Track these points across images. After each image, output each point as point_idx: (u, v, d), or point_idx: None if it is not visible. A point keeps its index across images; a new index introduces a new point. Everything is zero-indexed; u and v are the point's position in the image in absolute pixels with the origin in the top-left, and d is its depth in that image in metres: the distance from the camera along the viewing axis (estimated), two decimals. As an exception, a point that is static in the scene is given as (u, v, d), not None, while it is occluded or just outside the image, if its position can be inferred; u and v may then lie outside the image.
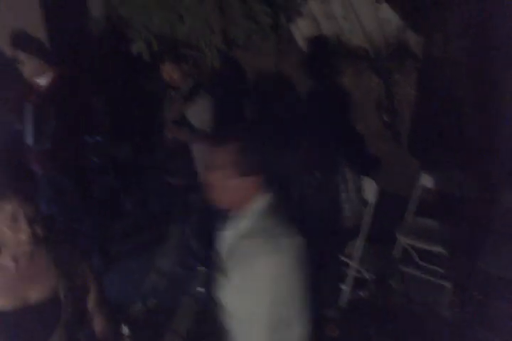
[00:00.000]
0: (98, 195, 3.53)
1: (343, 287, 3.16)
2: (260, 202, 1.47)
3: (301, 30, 4.40)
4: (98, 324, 1.84)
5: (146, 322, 3.03)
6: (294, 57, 4.56)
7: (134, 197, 4.41)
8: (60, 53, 3.66)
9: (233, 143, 1.41)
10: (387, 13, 3.79)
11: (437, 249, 3.12)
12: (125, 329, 2.77)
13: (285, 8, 3.92)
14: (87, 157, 3.51)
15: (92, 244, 3.48)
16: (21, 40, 3.31)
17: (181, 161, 3.14)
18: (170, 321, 3.05)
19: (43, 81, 3.10)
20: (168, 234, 3.92)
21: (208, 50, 3.43)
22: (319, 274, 3.06)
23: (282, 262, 1.38)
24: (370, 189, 3.15)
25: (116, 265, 3.62)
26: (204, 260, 3.32)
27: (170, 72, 3.04)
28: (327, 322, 3.00)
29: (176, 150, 3.13)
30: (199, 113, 2.99)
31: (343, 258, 3.20)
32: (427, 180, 3.47)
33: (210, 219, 1.96)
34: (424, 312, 3.06)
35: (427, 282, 3.26)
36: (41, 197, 3.42)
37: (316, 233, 3.09)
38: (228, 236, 1.52)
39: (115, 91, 4.50)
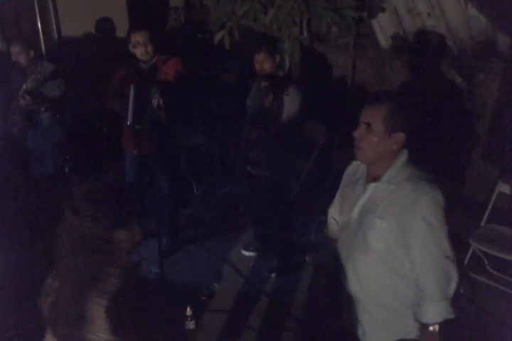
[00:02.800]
0: (172, 180, 3.61)
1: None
2: (404, 156, 1.71)
3: (382, 25, 4.32)
4: None
5: (208, 305, 3.10)
6: (371, 52, 4.48)
7: (204, 182, 4.51)
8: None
9: (386, 103, 1.66)
10: (477, 9, 3.65)
11: (510, 257, 3.00)
12: (189, 311, 2.87)
13: (368, 3, 3.86)
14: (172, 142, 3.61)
15: (162, 226, 3.58)
16: (142, 24, 3.49)
17: (261, 151, 3.17)
18: (232, 305, 3.10)
19: (146, 66, 3.33)
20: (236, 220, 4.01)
21: (289, 42, 3.42)
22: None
23: (439, 201, 1.63)
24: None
25: (183, 248, 3.72)
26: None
27: (263, 62, 3.07)
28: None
29: (255, 140, 3.17)
30: (290, 106, 3.01)
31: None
32: (504, 187, 3.32)
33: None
34: (491, 322, 2.95)
35: (496, 291, 3.14)
36: (126, 173, 3.61)
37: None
38: (373, 187, 1.73)
39: (192, 79, 4.60)
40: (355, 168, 1.87)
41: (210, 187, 4.57)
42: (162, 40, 5.02)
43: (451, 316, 1.69)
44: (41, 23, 4.75)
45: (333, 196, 1.99)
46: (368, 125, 1.66)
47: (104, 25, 4.94)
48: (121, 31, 4.74)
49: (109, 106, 3.48)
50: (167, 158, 3.45)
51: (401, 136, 1.67)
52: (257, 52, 3.10)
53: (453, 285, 1.69)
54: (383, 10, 4.05)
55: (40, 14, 4.75)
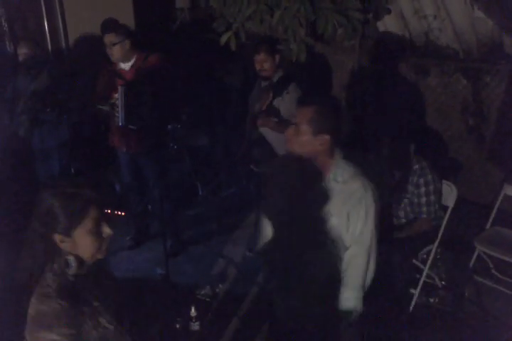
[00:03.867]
0: (173, 180, 3.63)
1: (413, 291, 3.10)
2: (339, 155, 1.82)
3: (388, 27, 4.32)
4: None
5: (212, 305, 3.10)
6: (376, 54, 4.48)
7: (208, 184, 4.51)
8: (145, 41, 3.79)
9: (313, 106, 1.74)
10: (483, 12, 3.64)
11: (516, 261, 2.99)
12: (193, 312, 2.88)
13: (374, 5, 3.85)
14: (167, 141, 3.63)
15: (165, 227, 3.59)
16: (112, 25, 3.46)
17: (263, 150, 3.19)
18: (236, 307, 3.11)
19: (126, 66, 3.28)
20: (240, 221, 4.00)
21: (294, 43, 3.43)
22: (391, 276, 3.02)
23: (376, 197, 1.80)
24: (449, 194, 3.05)
25: (187, 249, 3.72)
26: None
27: (263, 62, 3.11)
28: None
29: (258, 139, 3.18)
30: (289, 104, 3.01)
31: (415, 262, 3.13)
32: (510, 190, 3.31)
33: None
34: (496, 324, 2.94)
35: (501, 294, 3.13)
36: (122, 174, 3.62)
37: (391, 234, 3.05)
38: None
39: (196, 80, 4.61)
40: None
41: (214, 189, 4.57)
42: (167, 41, 5.06)
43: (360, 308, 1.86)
44: (48, 24, 4.78)
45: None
46: (297, 125, 1.76)
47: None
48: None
49: (97, 107, 3.43)
50: (158, 158, 3.45)
51: (326, 138, 1.75)
52: (257, 52, 3.15)
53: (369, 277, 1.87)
54: (389, 12, 4.05)
55: (46, 15, 4.77)
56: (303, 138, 1.75)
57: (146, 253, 3.65)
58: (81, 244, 1.33)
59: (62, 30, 4.88)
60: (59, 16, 4.84)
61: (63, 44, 4.90)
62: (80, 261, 1.35)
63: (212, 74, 4.78)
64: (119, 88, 3.09)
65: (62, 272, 1.33)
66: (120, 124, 3.15)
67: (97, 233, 1.34)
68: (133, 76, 3.24)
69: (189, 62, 4.86)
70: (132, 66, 3.29)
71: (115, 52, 3.22)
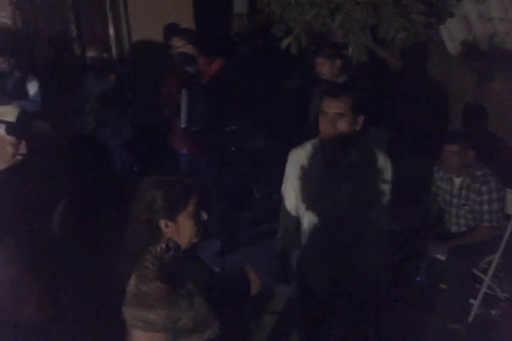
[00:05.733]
0: (230, 181, 3.69)
1: (472, 301, 3.01)
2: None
3: (451, 30, 4.22)
4: None
5: (267, 306, 3.13)
6: (438, 58, 4.40)
7: (263, 186, 4.55)
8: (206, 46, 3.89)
9: (349, 94, 2.05)
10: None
11: None
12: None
13: (437, 8, 3.78)
14: (226, 144, 3.70)
15: (222, 227, 3.66)
16: (176, 29, 3.56)
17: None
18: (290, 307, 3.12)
19: (191, 70, 3.36)
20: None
21: (355, 47, 3.42)
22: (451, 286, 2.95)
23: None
24: (512, 202, 2.96)
25: (243, 249, 3.77)
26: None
27: (322, 66, 3.13)
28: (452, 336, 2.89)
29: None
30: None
31: (476, 272, 3.04)
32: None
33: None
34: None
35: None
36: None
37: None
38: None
39: (254, 84, 4.67)
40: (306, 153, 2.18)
41: (269, 191, 4.61)
42: (226, 46, 5.16)
43: None
44: (113, 29, 4.98)
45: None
46: (340, 114, 2.00)
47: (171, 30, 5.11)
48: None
49: (161, 111, 3.53)
50: (217, 160, 3.51)
51: (362, 118, 2.05)
52: (317, 55, 3.19)
53: None
54: (452, 15, 3.97)
55: (112, 20, 4.98)
56: (348, 124, 2.01)
57: (200, 252, 3.71)
58: (183, 227, 1.45)
59: (126, 35, 5.09)
60: (123, 22, 5.05)
61: (127, 48, 5.10)
62: (178, 245, 1.46)
63: (271, 77, 4.83)
64: (183, 91, 3.17)
65: (161, 256, 1.43)
66: (182, 126, 3.23)
67: (197, 217, 1.47)
68: (197, 79, 3.32)
69: (247, 66, 4.93)
70: (197, 70, 3.37)
71: (178, 55, 3.31)
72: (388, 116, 4.14)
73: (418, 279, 3.30)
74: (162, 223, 1.43)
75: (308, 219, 2.19)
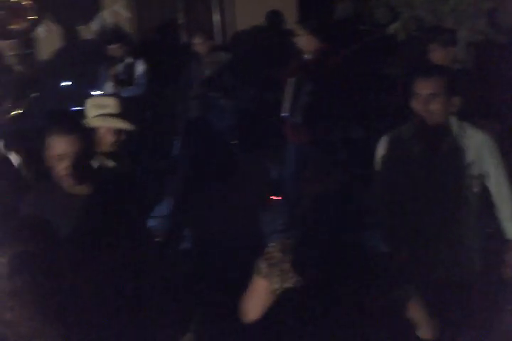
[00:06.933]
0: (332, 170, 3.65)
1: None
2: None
3: None
4: None
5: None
6: None
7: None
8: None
9: (443, 75, 1.98)
10: None
11: None
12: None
13: None
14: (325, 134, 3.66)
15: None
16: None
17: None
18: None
19: (309, 56, 3.33)
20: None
21: (467, 34, 3.23)
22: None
23: None
24: None
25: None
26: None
27: (436, 53, 3.00)
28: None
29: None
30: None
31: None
32: None
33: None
34: None
35: None
36: (286, 163, 3.73)
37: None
38: None
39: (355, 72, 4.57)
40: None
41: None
42: (329, 31, 5.08)
43: None
44: (220, 16, 5.11)
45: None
46: (433, 95, 1.90)
47: (275, 17, 5.15)
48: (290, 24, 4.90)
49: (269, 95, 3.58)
50: (322, 149, 3.50)
51: (458, 100, 1.93)
52: (430, 42, 3.04)
53: None
54: None
55: (219, 7, 5.11)
56: (441, 105, 1.91)
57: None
58: None
59: (231, 22, 5.19)
60: (229, 9, 5.16)
61: (232, 35, 5.21)
62: None
63: (372, 65, 4.70)
64: (288, 81, 3.18)
65: None
66: (283, 114, 3.26)
67: None
68: (311, 69, 3.29)
69: (349, 54, 4.83)
70: (313, 58, 3.33)
71: (303, 42, 3.30)
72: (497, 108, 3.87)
73: None
74: None
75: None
